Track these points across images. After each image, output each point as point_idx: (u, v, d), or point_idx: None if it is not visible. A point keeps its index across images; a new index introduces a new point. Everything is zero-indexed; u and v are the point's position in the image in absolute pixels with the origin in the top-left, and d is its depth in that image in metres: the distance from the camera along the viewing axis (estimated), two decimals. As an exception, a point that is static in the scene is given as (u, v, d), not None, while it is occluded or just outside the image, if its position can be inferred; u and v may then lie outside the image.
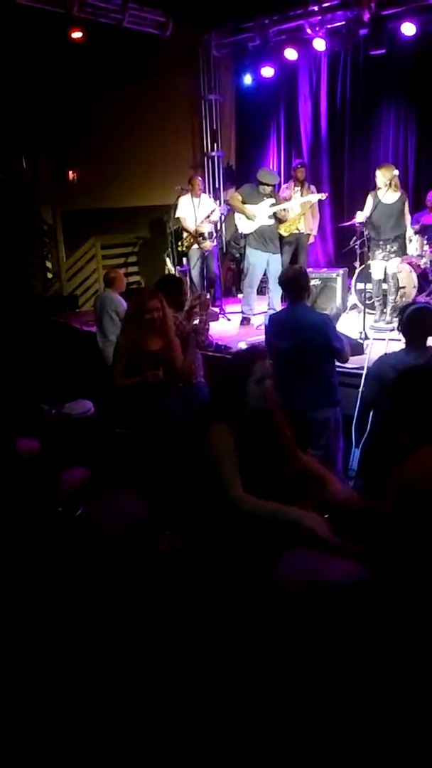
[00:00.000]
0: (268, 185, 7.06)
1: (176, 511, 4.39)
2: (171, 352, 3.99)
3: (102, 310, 6.02)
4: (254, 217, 6.99)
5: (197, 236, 7.61)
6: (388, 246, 6.49)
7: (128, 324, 4.10)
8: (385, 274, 6.65)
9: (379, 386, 3.74)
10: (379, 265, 6.59)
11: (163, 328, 3.95)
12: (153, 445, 4.07)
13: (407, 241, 7.08)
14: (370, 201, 6.50)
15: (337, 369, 4.18)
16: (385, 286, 6.78)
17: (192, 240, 7.70)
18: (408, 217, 6.71)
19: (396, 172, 6.41)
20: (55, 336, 7.87)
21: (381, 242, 6.47)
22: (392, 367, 3.60)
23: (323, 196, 7.60)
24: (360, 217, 6.58)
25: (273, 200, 7.13)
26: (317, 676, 3.03)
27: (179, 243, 7.91)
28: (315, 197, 7.55)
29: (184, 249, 7.91)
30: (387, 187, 6.30)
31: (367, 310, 6.44)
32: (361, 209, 6.71)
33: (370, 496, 4.13)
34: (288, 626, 3.29)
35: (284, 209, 7.39)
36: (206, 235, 7.66)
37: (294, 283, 4.14)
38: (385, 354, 3.90)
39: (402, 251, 6.63)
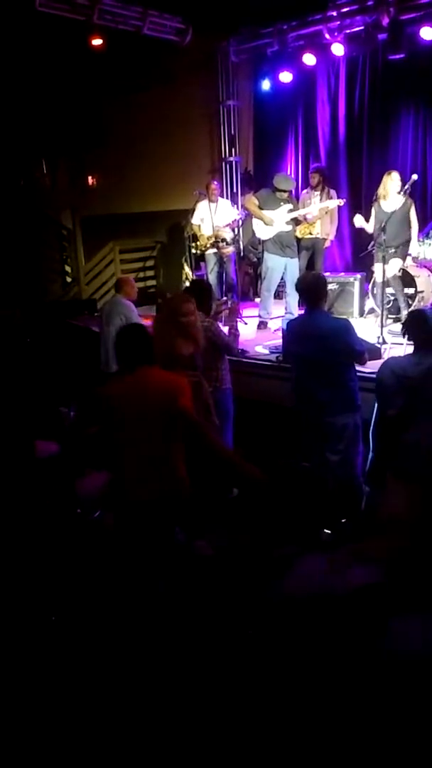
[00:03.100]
0: (284, 191, 7.07)
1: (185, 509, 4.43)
2: (201, 357, 3.99)
3: (112, 314, 6.06)
4: (272, 222, 7.00)
5: (219, 241, 7.63)
6: (391, 251, 6.50)
7: (161, 328, 4.04)
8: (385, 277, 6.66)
9: (379, 390, 3.75)
10: (378, 268, 6.59)
11: (193, 332, 3.93)
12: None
13: (423, 246, 7.09)
14: (373, 212, 6.58)
15: (357, 374, 4.18)
16: (389, 290, 6.79)
17: (207, 243, 7.72)
18: (415, 223, 6.72)
19: (394, 178, 6.51)
20: (74, 340, 7.93)
21: (384, 247, 6.48)
22: (392, 371, 3.61)
23: (341, 202, 7.59)
24: (370, 229, 6.63)
25: (291, 206, 7.14)
26: (324, 682, 3.03)
27: (194, 245, 7.95)
28: (333, 203, 7.54)
29: (197, 252, 7.95)
30: (383, 195, 6.43)
31: (374, 314, 6.43)
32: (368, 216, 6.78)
33: (378, 498, 4.14)
34: (297, 633, 3.31)
35: (306, 213, 7.40)
36: (229, 240, 7.68)
37: (312, 290, 4.15)
38: (390, 358, 3.91)
39: (403, 254, 6.64)
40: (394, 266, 6.58)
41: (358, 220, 6.72)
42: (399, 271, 6.72)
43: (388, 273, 6.56)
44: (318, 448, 4.20)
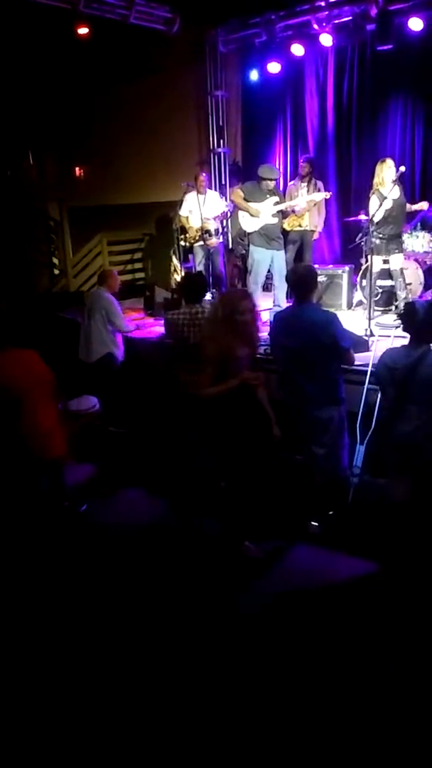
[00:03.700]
0: (270, 180, 7.04)
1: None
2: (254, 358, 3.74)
3: (93, 308, 6.05)
4: (259, 213, 6.98)
5: (203, 233, 7.61)
6: (388, 242, 6.45)
7: (217, 327, 3.70)
8: (390, 271, 6.63)
9: (377, 382, 3.77)
10: (377, 259, 6.56)
11: (249, 331, 3.66)
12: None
13: (411, 238, 7.09)
14: (375, 201, 6.49)
15: (342, 366, 4.18)
16: (389, 282, 6.77)
17: (196, 235, 7.70)
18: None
19: (390, 165, 6.47)
20: (62, 332, 7.89)
21: (382, 236, 6.42)
22: (385, 363, 3.62)
23: (327, 195, 7.56)
24: (377, 217, 6.51)
25: (277, 198, 7.12)
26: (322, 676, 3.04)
27: (182, 237, 7.93)
28: (319, 196, 7.51)
29: (186, 244, 7.92)
30: (379, 183, 6.39)
31: (363, 306, 6.42)
32: (366, 206, 6.71)
33: (378, 489, 4.16)
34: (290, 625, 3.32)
35: (292, 205, 7.39)
36: (212, 231, 7.65)
37: (303, 282, 4.13)
38: (388, 349, 3.91)
39: (400, 248, 6.64)
40: (397, 261, 6.57)
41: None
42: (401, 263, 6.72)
43: (393, 266, 6.56)
44: (304, 442, 4.21)
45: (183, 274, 7.80)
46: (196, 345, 4.40)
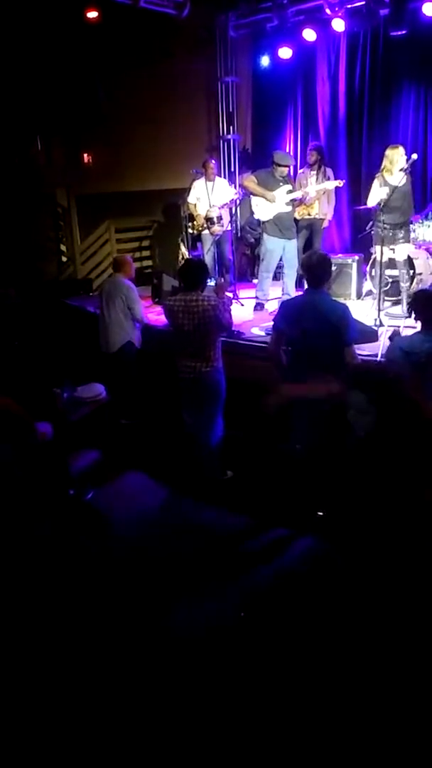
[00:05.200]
0: (285, 166, 6.97)
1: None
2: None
3: (113, 295, 5.99)
4: (275, 199, 6.91)
5: (206, 220, 7.56)
6: (395, 232, 6.34)
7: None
8: (395, 262, 6.54)
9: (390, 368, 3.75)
10: (384, 249, 6.46)
11: None
12: None
13: (422, 227, 6.99)
14: (376, 185, 6.38)
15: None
16: (394, 272, 6.69)
17: (204, 223, 7.64)
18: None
19: (402, 152, 6.32)
20: (69, 320, 7.88)
21: (387, 227, 6.32)
22: (401, 348, 3.61)
23: (340, 183, 7.45)
24: (371, 202, 6.43)
25: (290, 186, 7.05)
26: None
27: (191, 225, 7.88)
28: (332, 184, 7.41)
29: (194, 232, 7.87)
30: (389, 170, 6.27)
31: (372, 296, 6.35)
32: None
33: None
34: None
35: (304, 193, 7.32)
36: (214, 219, 7.59)
37: (319, 270, 4.08)
38: (398, 338, 3.90)
39: (407, 237, 6.52)
40: (403, 251, 6.46)
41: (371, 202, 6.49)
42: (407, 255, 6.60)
43: (398, 257, 6.47)
44: (311, 431, 4.18)
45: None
46: (189, 332, 4.46)
